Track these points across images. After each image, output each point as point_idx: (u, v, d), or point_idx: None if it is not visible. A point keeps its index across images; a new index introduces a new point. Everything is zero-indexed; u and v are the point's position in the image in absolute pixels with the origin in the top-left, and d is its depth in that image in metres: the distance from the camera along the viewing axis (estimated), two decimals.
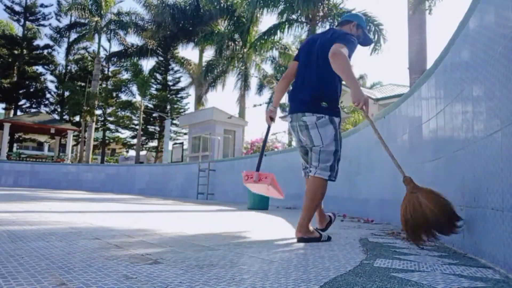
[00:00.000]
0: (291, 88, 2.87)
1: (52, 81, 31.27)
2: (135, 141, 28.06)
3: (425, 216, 2.12)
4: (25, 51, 28.49)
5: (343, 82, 2.58)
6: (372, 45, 14.20)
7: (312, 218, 2.60)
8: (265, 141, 3.08)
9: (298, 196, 7.70)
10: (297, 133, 2.69)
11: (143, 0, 24.79)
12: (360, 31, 2.85)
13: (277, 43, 18.09)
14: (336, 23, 11.68)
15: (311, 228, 2.58)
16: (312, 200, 2.57)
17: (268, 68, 26.55)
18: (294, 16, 15.87)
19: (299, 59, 2.76)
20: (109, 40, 27.20)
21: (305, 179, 2.84)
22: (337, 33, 2.64)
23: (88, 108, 23.10)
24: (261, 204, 6.76)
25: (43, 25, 29.99)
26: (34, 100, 29.63)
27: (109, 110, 29.13)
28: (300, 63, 2.74)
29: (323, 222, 2.97)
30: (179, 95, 29.71)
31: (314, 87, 2.58)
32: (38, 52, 29.52)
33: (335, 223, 3.63)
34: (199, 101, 24.27)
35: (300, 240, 2.52)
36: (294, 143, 18.39)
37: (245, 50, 20.26)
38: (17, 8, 29.05)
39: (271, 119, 2.92)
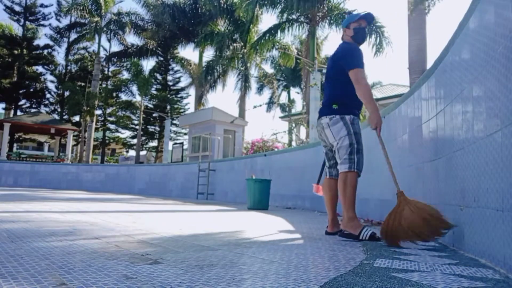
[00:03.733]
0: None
1: (52, 81, 31.23)
2: (135, 141, 28.06)
3: (413, 223, 2.32)
4: (25, 51, 28.48)
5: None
6: (374, 48, 14.22)
7: (353, 208, 2.74)
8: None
9: (298, 197, 7.71)
10: (319, 134, 3.05)
11: (143, 0, 24.80)
12: (351, 30, 3.01)
13: (277, 43, 18.08)
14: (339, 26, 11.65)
15: (358, 221, 2.75)
16: (343, 193, 2.75)
17: (268, 68, 26.61)
18: (294, 16, 15.87)
19: None
20: (109, 40, 27.21)
21: (326, 180, 3.08)
22: (341, 50, 2.94)
23: (88, 108, 23.09)
24: (261, 204, 6.76)
25: (43, 25, 29.98)
26: (34, 100, 29.61)
27: (109, 110, 29.12)
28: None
29: (333, 227, 3.00)
30: (179, 95, 29.72)
31: (328, 95, 2.97)
32: (38, 52, 29.49)
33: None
34: (199, 101, 24.27)
35: (340, 235, 2.77)
36: (294, 143, 18.40)
37: (245, 50, 20.25)
38: (17, 8, 29.06)
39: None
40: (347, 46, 2.96)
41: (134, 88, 25.60)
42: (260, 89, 29.00)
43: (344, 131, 2.82)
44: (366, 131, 3.47)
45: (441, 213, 2.28)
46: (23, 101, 29.29)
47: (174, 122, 27.29)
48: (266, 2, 15.61)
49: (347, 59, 2.85)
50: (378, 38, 14.29)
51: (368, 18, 3.05)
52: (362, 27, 3.01)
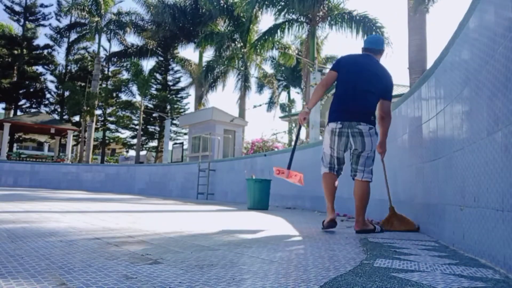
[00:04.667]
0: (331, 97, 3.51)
1: (52, 81, 31.22)
2: (135, 141, 28.05)
3: (394, 225, 3.45)
4: (25, 51, 28.48)
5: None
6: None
7: (365, 213, 3.18)
8: (296, 139, 3.54)
9: (298, 197, 7.71)
10: (346, 137, 3.10)
11: (143, 0, 24.80)
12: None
13: (277, 43, 18.08)
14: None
15: (366, 221, 3.21)
16: (364, 199, 3.15)
17: (268, 68, 26.59)
18: (294, 16, 15.87)
19: (341, 73, 3.19)
20: (109, 40, 27.21)
21: (326, 174, 3.33)
22: (391, 80, 3.25)
23: (88, 108, 23.08)
24: (261, 204, 6.76)
25: (43, 25, 30.00)
26: (34, 100, 29.60)
27: (109, 110, 29.11)
28: (347, 79, 3.16)
29: (332, 212, 3.28)
30: (179, 95, 29.72)
31: (368, 104, 3.11)
32: (38, 52, 29.49)
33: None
34: (199, 101, 24.26)
35: (359, 232, 3.12)
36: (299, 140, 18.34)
37: (245, 50, 20.25)
38: (17, 8, 29.07)
39: (304, 119, 3.28)
40: (392, 77, 3.29)
41: (134, 88, 25.63)
42: (260, 89, 29.00)
43: (376, 144, 3.15)
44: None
45: (413, 222, 3.37)
46: (23, 101, 29.30)
47: (174, 122, 27.29)
48: (266, 2, 15.61)
49: (391, 91, 3.25)
50: None
51: None
52: None
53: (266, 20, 32.38)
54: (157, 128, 28.91)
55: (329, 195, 3.27)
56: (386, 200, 4.23)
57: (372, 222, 3.50)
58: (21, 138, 29.68)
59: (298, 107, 28.60)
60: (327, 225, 3.21)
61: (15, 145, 30.26)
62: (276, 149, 12.36)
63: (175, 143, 20.63)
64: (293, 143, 3.68)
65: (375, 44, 3.34)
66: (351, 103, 3.10)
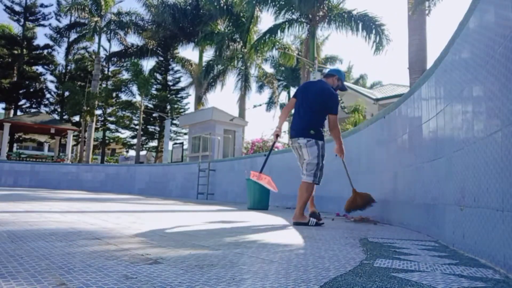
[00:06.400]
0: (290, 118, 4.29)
1: (52, 81, 31.25)
2: (135, 141, 28.05)
3: (358, 203, 4.31)
4: (25, 51, 28.47)
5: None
6: (374, 46, 14.32)
7: (303, 208, 3.77)
8: (270, 151, 4.42)
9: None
10: (295, 150, 3.95)
11: (143, 0, 24.79)
12: (340, 82, 4.13)
13: (278, 43, 18.08)
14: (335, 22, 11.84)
15: (304, 215, 3.77)
16: (301, 196, 3.77)
17: (268, 68, 26.59)
18: (294, 16, 15.87)
19: (297, 98, 3.95)
20: (109, 40, 27.20)
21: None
22: (331, 96, 3.87)
23: (88, 108, 23.08)
24: (261, 204, 6.76)
25: (43, 25, 30.00)
26: (34, 100, 29.59)
27: (109, 110, 29.11)
28: (298, 103, 3.92)
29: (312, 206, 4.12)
30: (179, 95, 29.71)
31: (307, 121, 3.82)
32: (38, 52, 29.50)
33: (335, 222, 4.27)
34: (199, 101, 24.26)
35: (295, 223, 3.71)
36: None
37: (245, 50, 20.25)
38: (17, 8, 29.06)
39: (277, 136, 4.04)
40: (335, 93, 3.94)
41: (134, 88, 25.61)
42: (260, 88, 29.01)
43: (316, 153, 3.76)
44: (367, 131, 3.51)
45: (372, 196, 4.26)
46: (23, 101, 29.30)
47: (174, 122, 27.29)
48: (266, 2, 15.61)
49: (334, 105, 3.87)
50: (378, 36, 14.32)
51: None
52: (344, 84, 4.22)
53: (266, 20, 32.44)
54: (157, 128, 28.91)
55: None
56: (386, 200, 4.26)
57: (368, 219, 4.43)
58: (21, 138, 29.68)
59: None
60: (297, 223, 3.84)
61: (15, 145, 30.26)
62: (276, 149, 12.36)
63: (175, 143, 20.63)
64: (267, 153, 4.52)
65: (327, 72, 4.22)
66: (294, 122, 3.90)
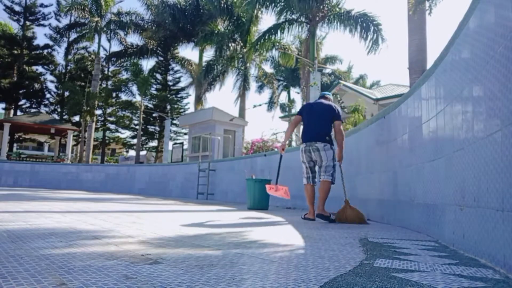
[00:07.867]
0: (301, 128, 4.92)
1: (52, 81, 31.21)
2: (135, 141, 28.04)
3: (347, 217, 4.28)
4: (25, 51, 28.46)
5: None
6: (370, 45, 14.50)
7: (325, 203, 4.31)
8: (279, 166, 4.94)
9: (298, 197, 7.70)
10: (307, 153, 4.48)
11: (143, 0, 24.79)
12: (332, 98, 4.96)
13: (277, 43, 18.08)
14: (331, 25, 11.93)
15: (326, 211, 4.32)
16: (325, 192, 4.36)
17: (268, 68, 26.59)
18: (294, 16, 15.87)
19: (304, 115, 4.62)
20: (109, 40, 27.19)
21: (306, 185, 4.54)
22: (335, 107, 4.61)
23: (88, 108, 23.06)
24: (261, 204, 6.75)
25: (43, 25, 30.00)
26: (34, 100, 29.58)
27: (109, 110, 29.09)
28: (307, 118, 4.59)
29: (313, 214, 4.44)
30: (179, 95, 29.70)
31: (322, 129, 4.48)
32: (38, 52, 29.48)
33: (335, 223, 4.32)
34: (198, 101, 24.25)
35: (317, 215, 4.30)
36: (294, 143, 18.31)
37: (245, 50, 20.24)
38: (17, 8, 29.05)
39: (283, 150, 4.74)
40: (338, 107, 4.67)
41: (134, 88, 25.62)
42: (260, 88, 29.02)
43: (331, 156, 4.42)
44: (367, 131, 3.50)
45: (363, 215, 4.28)
46: (23, 101, 29.28)
47: (174, 122, 27.29)
48: (266, 2, 15.60)
49: (340, 115, 4.59)
50: (375, 35, 14.39)
51: None
52: None
53: (266, 20, 32.36)
54: (157, 128, 28.90)
55: (310, 200, 4.51)
56: (385, 200, 4.25)
57: (368, 218, 4.50)
58: (21, 138, 29.67)
59: (298, 107, 28.63)
60: (306, 218, 4.43)
61: (15, 145, 30.25)
62: (276, 149, 12.36)
63: (175, 143, 20.62)
64: (277, 165, 5.02)
65: (323, 94, 4.96)
66: (310, 130, 4.51)
